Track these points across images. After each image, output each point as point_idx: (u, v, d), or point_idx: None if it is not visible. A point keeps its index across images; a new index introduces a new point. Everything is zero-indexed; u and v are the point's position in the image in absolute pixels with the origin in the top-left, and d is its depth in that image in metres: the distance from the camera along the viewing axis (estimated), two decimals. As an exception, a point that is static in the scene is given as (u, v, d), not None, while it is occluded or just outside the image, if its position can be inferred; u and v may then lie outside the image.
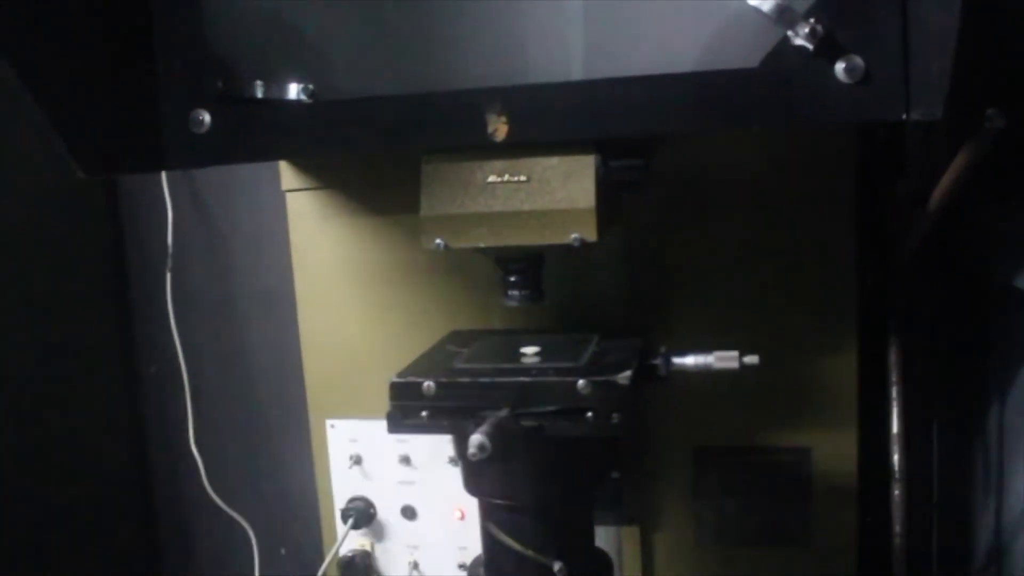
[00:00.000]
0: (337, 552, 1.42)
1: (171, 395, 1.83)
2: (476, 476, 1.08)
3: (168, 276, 1.80)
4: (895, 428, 1.25)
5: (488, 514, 1.10)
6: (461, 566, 1.40)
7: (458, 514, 1.38)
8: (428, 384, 1.03)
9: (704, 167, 1.24)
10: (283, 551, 1.86)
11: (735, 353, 1.07)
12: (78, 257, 1.77)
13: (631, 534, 1.34)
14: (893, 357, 1.25)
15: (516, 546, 1.07)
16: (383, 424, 1.32)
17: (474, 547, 1.30)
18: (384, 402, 1.33)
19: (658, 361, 1.08)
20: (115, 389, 1.86)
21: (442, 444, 1.36)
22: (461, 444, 1.05)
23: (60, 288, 1.71)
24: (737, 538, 1.33)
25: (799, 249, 1.23)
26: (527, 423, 1.00)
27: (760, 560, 1.32)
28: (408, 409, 1.04)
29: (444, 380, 1.03)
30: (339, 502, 1.42)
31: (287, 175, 1.37)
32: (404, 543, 1.41)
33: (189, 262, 1.81)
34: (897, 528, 1.24)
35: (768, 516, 1.31)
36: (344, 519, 1.40)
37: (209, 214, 1.80)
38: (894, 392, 1.25)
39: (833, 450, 1.28)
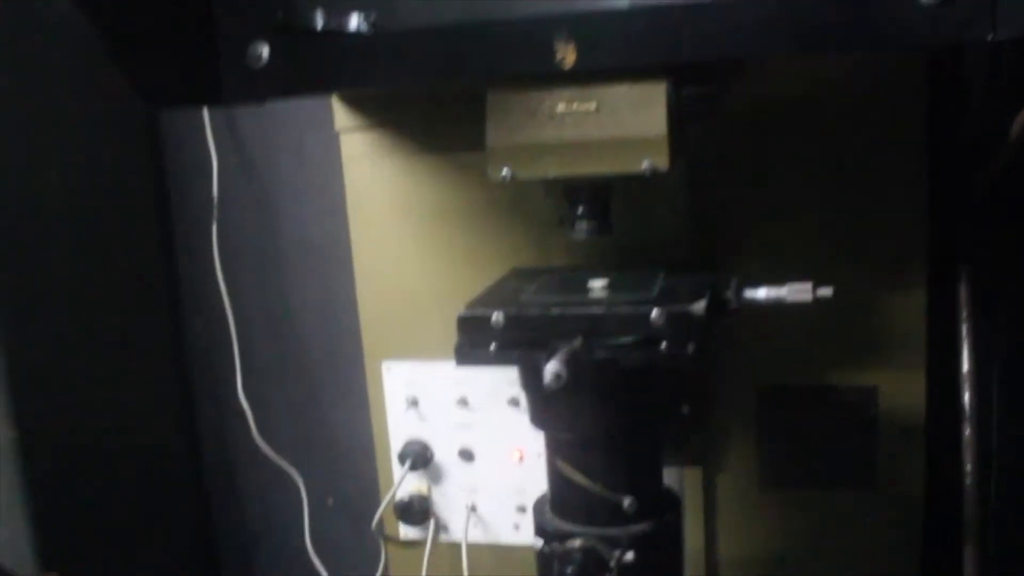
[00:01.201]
0: (394, 495, 1.40)
1: (218, 346, 1.82)
2: (544, 410, 1.06)
3: (214, 226, 1.78)
4: (965, 366, 1.21)
5: (556, 449, 1.08)
6: (520, 508, 1.38)
7: (516, 456, 1.36)
8: (497, 316, 1.00)
9: (773, 101, 1.20)
10: (330, 501, 1.85)
11: (808, 285, 1.04)
12: (123, 209, 1.76)
13: (693, 475, 1.32)
14: (963, 293, 1.21)
15: (584, 482, 1.05)
16: (440, 365, 1.33)
17: (532, 489, 1.31)
18: (441, 343, 1.30)
19: (729, 294, 1.05)
20: (162, 341, 1.85)
21: (501, 385, 1.35)
22: (530, 377, 1.03)
23: (105, 242, 1.70)
24: (801, 480, 1.30)
25: (869, 184, 1.20)
26: (600, 354, 0.97)
27: (825, 503, 1.30)
28: (476, 342, 1.02)
29: (513, 312, 1.01)
30: (395, 445, 1.40)
31: (340, 115, 1.35)
32: (461, 486, 1.39)
33: (234, 212, 1.79)
34: (968, 468, 1.21)
35: (833, 457, 1.29)
36: (401, 462, 1.38)
37: (254, 163, 1.78)
38: (964, 330, 1.22)
39: (900, 389, 1.25)
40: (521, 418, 1.28)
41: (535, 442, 1.28)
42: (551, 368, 0.92)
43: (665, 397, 1.07)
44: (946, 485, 1.27)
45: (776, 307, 1.05)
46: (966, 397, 1.21)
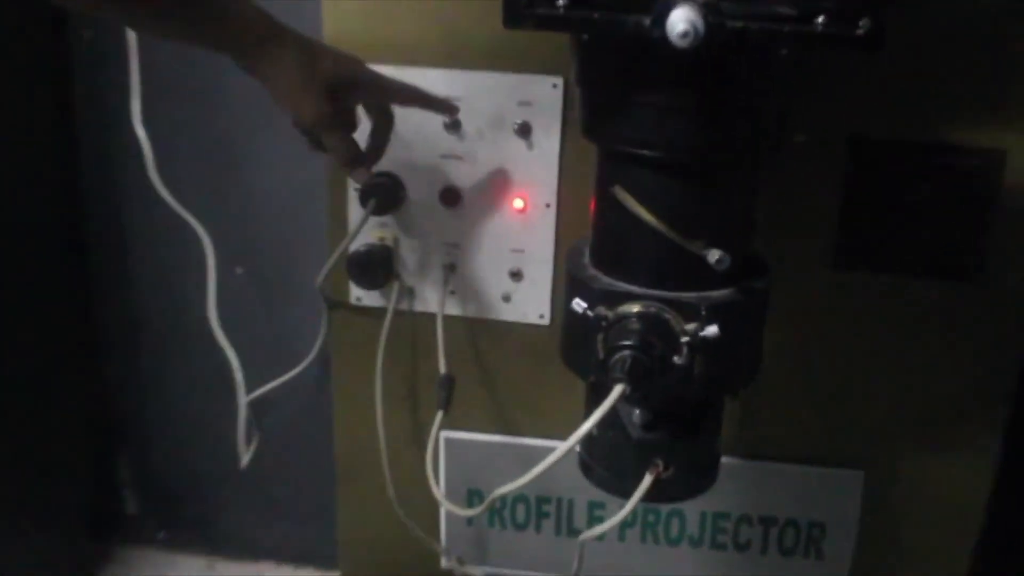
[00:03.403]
0: (347, 247, 1.09)
1: (112, 60, 1.44)
2: (614, 107, 0.75)
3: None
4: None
5: (617, 173, 0.78)
6: (514, 274, 1.11)
7: (518, 203, 1.08)
8: (573, -48, 0.66)
9: None
10: (239, 270, 1.51)
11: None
12: None
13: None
14: None
15: (656, 223, 0.76)
16: (427, 73, 1.05)
17: (534, 249, 1.10)
18: (431, 40, 1.04)
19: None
20: (38, 50, 1.45)
21: (509, 104, 1.05)
22: (608, 52, 0.72)
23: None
24: (887, 262, 1.04)
25: None
26: (732, 24, 0.64)
27: (912, 292, 1.05)
28: (536, -8, 0.68)
29: (600, -52, 0.67)
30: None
31: None
32: (440, 238, 1.12)
33: None
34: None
35: (933, 236, 1.02)
36: (362, 201, 1.06)
37: None
38: None
39: (1035, 156, 0.99)
40: (529, 155, 1.05)
41: (544, 185, 1.07)
42: (681, 16, 0.58)
43: (788, 108, 0.77)
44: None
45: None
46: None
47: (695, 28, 0.60)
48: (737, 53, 0.68)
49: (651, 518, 1.16)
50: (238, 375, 1.39)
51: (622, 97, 0.73)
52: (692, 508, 1.15)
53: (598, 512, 1.17)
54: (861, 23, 0.66)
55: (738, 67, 0.70)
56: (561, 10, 0.69)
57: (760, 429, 1.11)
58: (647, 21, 0.64)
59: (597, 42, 0.73)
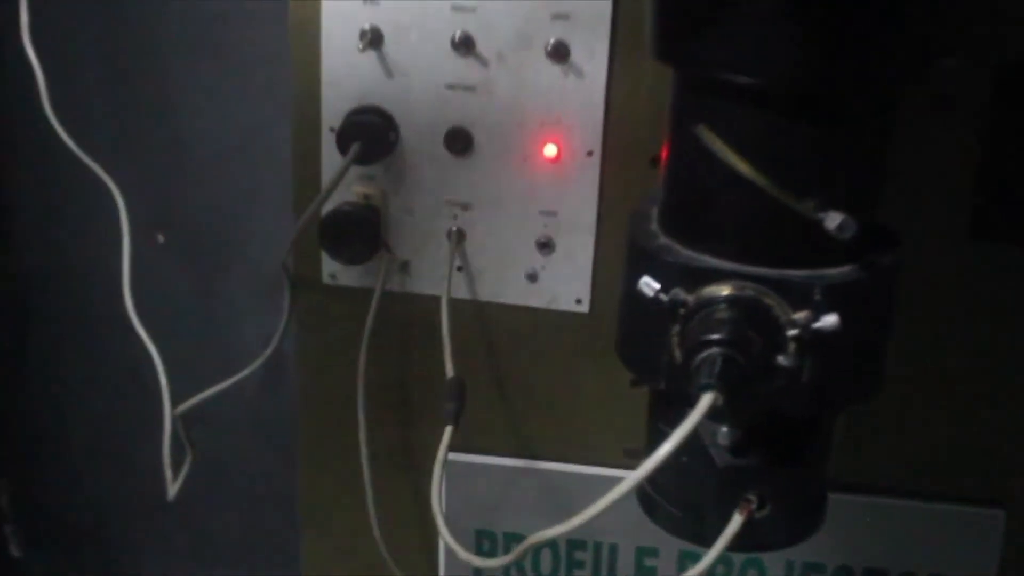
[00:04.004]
0: (319, 206, 1.09)
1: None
2: (707, 18, 0.74)
3: None
4: None
5: (704, 108, 0.77)
6: (543, 244, 1.12)
7: (551, 151, 1.08)
8: None
9: None
10: (161, 238, 1.55)
11: None
12: None
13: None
14: None
15: (753, 175, 0.75)
16: None
17: (570, 213, 1.11)
18: None
19: None
20: None
21: (537, 22, 1.05)
22: None
23: None
24: None
25: None
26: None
27: None
28: None
29: None
30: (331, 116, 1.11)
31: None
32: (444, 196, 1.13)
33: None
34: None
35: None
36: (341, 145, 1.08)
37: None
38: None
39: None
40: (565, 85, 1.07)
41: (585, 127, 1.08)
42: None
43: (937, 20, 0.76)
44: None
45: None
46: None
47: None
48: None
49: (721, 568, 1.16)
50: (162, 378, 1.38)
51: (719, 3, 0.72)
52: (775, 556, 1.15)
53: (649, 561, 1.17)
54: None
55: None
56: None
57: (868, 453, 1.12)
58: None
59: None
